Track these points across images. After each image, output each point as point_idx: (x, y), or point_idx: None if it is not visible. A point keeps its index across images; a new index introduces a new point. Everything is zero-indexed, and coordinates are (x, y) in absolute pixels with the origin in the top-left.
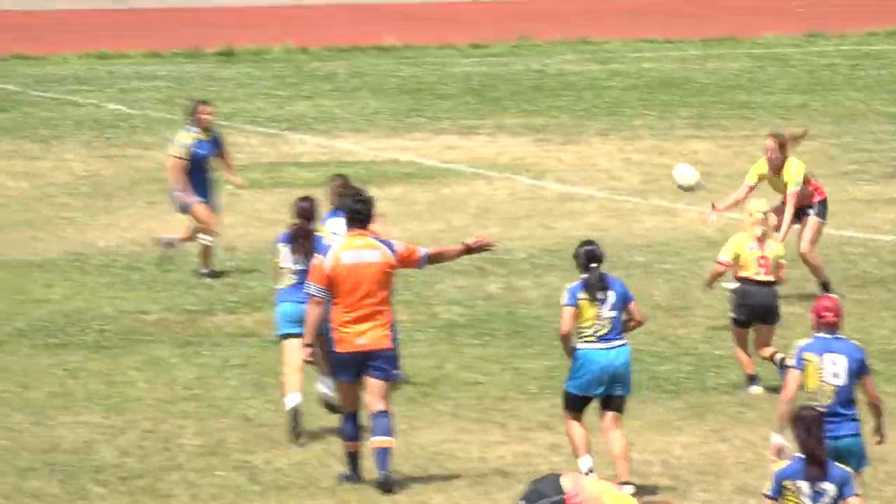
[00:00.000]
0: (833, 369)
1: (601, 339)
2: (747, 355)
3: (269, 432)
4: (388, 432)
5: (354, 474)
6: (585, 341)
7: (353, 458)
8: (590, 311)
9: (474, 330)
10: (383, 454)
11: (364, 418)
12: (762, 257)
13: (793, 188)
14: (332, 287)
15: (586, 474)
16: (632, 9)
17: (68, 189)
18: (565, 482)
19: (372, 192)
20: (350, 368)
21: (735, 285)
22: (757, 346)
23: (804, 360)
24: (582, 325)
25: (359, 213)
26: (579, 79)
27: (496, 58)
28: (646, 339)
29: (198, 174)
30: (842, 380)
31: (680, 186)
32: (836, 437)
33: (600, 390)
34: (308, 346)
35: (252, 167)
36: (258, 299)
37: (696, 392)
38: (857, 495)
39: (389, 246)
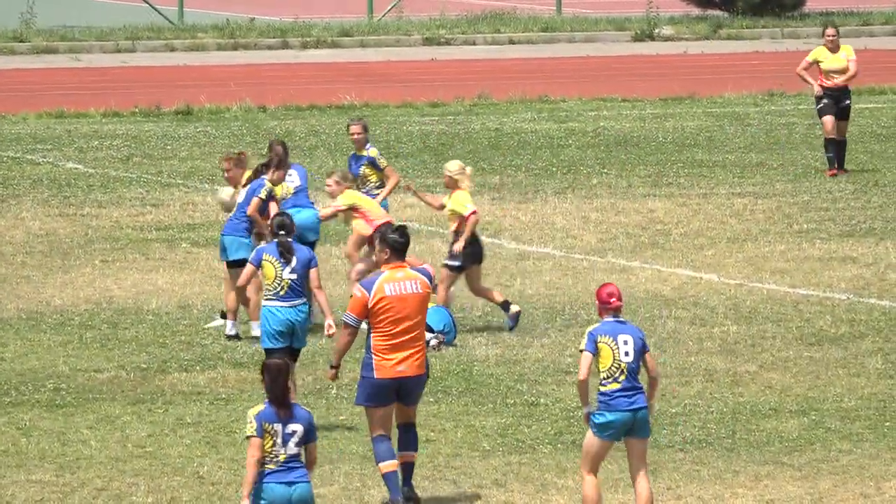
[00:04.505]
0: (625, 348)
1: (281, 298)
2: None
3: (221, 490)
4: (416, 446)
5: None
6: (268, 299)
7: (392, 478)
8: (271, 272)
9: (428, 388)
10: (410, 469)
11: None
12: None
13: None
14: (371, 318)
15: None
16: (589, 68)
17: (25, 248)
18: None
19: (326, 249)
20: (388, 394)
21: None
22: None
23: (597, 342)
24: (267, 284)
25: (400, 245)
26: (536, 137)
27: (453, 116)
28: None
29: None
30: (631, 357)
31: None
32: (635, 410)
33: (284, 342)
34: (334, 367)
35: (207, 225)
36: (212, 357)
37: (650, 450)
38: (315, 441)
39: (426, 273)
